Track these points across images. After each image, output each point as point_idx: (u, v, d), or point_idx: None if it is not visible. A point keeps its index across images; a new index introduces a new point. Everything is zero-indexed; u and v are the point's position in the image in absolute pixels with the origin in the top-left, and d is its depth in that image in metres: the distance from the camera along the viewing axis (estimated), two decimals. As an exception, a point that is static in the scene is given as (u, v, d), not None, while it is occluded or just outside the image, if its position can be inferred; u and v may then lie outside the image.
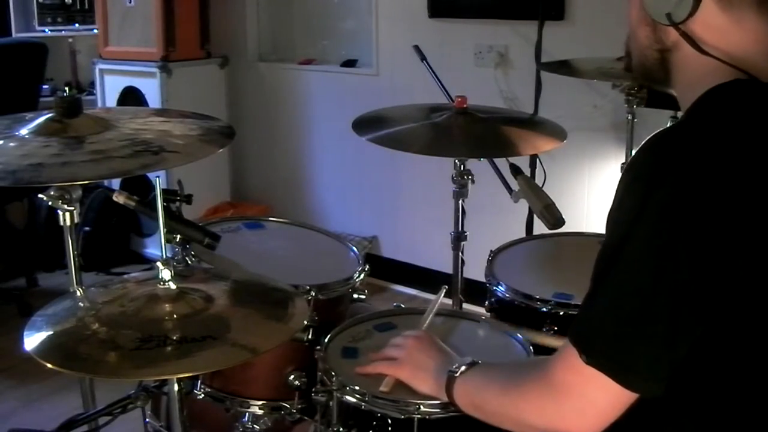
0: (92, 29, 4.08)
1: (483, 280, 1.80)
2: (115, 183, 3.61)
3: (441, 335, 1.44)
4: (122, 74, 3.95)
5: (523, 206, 1.95)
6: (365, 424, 1.31)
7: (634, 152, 1.04)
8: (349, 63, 3.83)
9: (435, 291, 1.62)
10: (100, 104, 4.00)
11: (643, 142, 0.97)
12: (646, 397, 0.95)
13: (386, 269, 3.77)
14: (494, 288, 1.74)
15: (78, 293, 1.37)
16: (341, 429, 1.35)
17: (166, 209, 1.42)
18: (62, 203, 1.54)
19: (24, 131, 1.53)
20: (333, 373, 1.35)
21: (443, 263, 2.27)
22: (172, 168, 2.20)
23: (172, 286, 1.27)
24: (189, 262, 1.64)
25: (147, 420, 1.74)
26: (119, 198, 1.52)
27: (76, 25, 4.15)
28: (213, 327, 1.22)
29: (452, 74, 2.43)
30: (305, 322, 1.39)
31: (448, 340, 1.43)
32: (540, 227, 1.79)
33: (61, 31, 4.13)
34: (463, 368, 1.20)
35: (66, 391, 2.71)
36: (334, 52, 3.99)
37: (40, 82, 3.57)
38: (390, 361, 1.34)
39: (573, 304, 1.60)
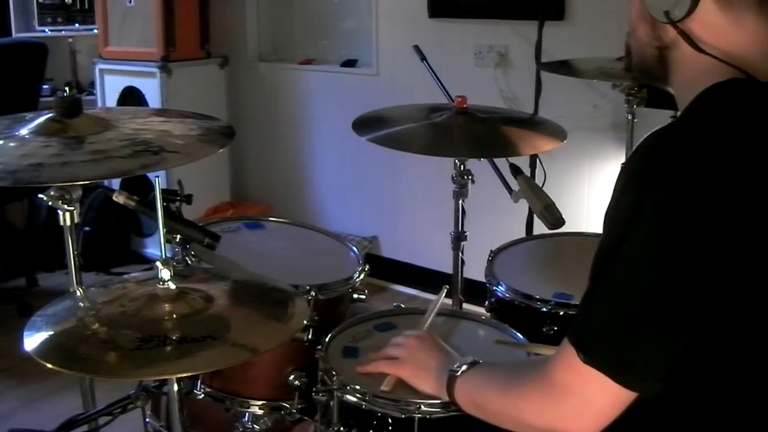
0: (92, 29, 4.08)
1: (483, 280, 1.80)
2: (115, 183, 3.61)
3: (442, 335, 1.44)
4: (122, 74, 3.95)
5: (523, 206, 1.95)
6: (366, 424, 1.31)
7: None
8: (349, 63, 3.83)
9: (435, 291, 1.62)
10: (100, 104, 4.00)
11: (640, 141, 0.98)
12: (645, 396, 0.95)
13: (386, 269, 3.77)
14: (494, 288, 1.74)
15: (78, 293, 1.37)
16: (342, 429, 1.35)
17: (166, 209, 1.42)
18: (62, 203, 1.54)
19: (24, 131, 1.53)
20: (333, 373, 1.36)
21: (443, 263, 2.27)
22: (172, 168, 2.20)
23: (172, 286, 1.27)
24: (189, 262, 1.64)
25: (147, 420, 1.74)
26: (119, 198, 1.52)
27: (76, 25, 4.15)
28: (213, 327, 1.22)
29: (452, 74, 2.43)
30: (305, 322, 1.39)
31: (449, 340, 1.43)
32: (540, 227, 1.79)
33: (61, 31, 4.13)
34: (464, 368, 1.20)
35: (66, 391, 2.71)
36: (334, 52, 3.99)
37: (40, 82, 3.57)
38: (391, 360, 1.34)
39: (573, 304, 1.60)
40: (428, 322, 1.50)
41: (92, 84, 4.17)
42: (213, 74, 4.07)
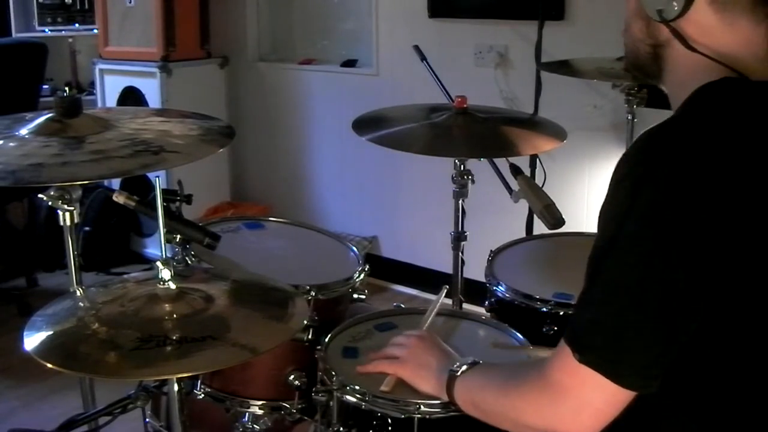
0: (92, 29, 4.08)
1: (483, 280, 1.80)
2: (115, 183, 3.62)
3: (442, 335, 1.44)
4: (122, 74, 3.95)
5: (523, 206, 1.95)
6: (365, 424, 1.31)
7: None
8: (349, 63, 3.83)
9: (435, 291, 1.62)
10: (100, 104, 4.00)
11: (634, 140, 0.98)
12: (643, 394, 0.95)
13: (386, 269, 3.77)
14: (494, 288, 1.74)
15: (78, 293, 1.37)
16: (341, 429, 1.35)
17: (166, 209, 1.42)
18: (62, 203, 1.54)
19: (24, 131, 1.54)
20: (333, 373, 1.36)
21: (443, 263, 2.27)
22: (172, 168, 2.20)
23: (172, 286, 1.27)
24: (189, 262, 1.64)
25: (147, 420, 1.74)
26: (119, 198, 1.52)
27: (76, 25, 4.15)
28: (213, 327, 1.22)
29: (452, 74, 2.43)
30: (305, 322, 1.39)
31: (449, 341, 1.43)
32: (540, 227, 1.79)
33: (61, 31, 4.13)
34: (464, 368, 1.20)
35: (66, 391, 2.71)
36: (334, 52, 3.99)
37: (40, 82, 3.57)
38: (392, 359, 1.34)
39: (573, 304, 1.59)
40: (428, 322, 1.50)
41: (92, 84, 4.17)
42: (213, 74, 4.07)
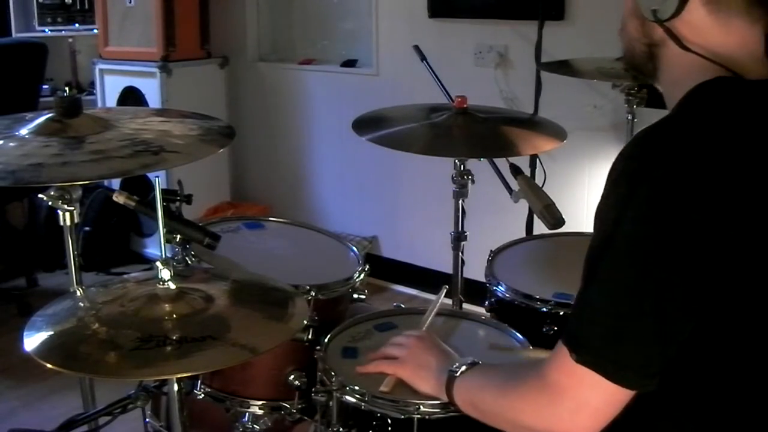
0: (92, 29, 4.08)
1: (483, 280, 1.80)
2: (115, 183, 3.62)
3: (442, 335, 1.44)
4: (122, 74, 3.95)
5: (523, 206, 1.95)
6: (365, 424, 1.31)
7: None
8: (349, 63, 3.83)
9: (435, 291, 1.62)
10: (100, 104, 4.00)
11: (630, 140, 0.98)
12: (641, 394, 0.95)
13: (386, 269, 3.77)
14: (494, 288, 1.74)
15: (78, 293, 1.37)
16: (341, 429, 1.35)
17: (166, 209, 1.42)
18: (62, 203, 1.54)
19: (24, 131, 1.54)
20: (333, 373, 1.36)
21: (443, 263, 2.27)
22: (172, 168, 2.20)
23: (172, 286, 1.27)
24: (189, 262, 1.64)
25: (147, 420, 1.74)
26: (119, 198, 1.52)
27: (76, 25, 4.15)
28: (213, 327, 1.22)
29: (452, 74, 2.43)
30: (305, 322, 1.39)
31: (449, 341, 1.43)
32: (540, 227, 1.79)
33: (61, 31, 4.12)
34: (463, 368, 1.20)
35: (66, 391, 2.71)
36: (334, 52, 3.99)
37: (40, 82, 3.57)
38: (391, 360, 1.34)
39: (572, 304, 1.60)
40: (428, 322, 1.50)
41: (92, 84, 4.17)
42: (213, 74, 4.07)
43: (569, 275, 1.76)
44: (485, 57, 3.34)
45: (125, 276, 1.47)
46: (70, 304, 1.32)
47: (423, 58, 2.23)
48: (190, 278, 1.37)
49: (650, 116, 2.55)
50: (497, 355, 1.44)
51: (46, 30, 4.10)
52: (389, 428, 1.29)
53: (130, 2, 3.87)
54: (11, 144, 1.50)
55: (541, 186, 1.79)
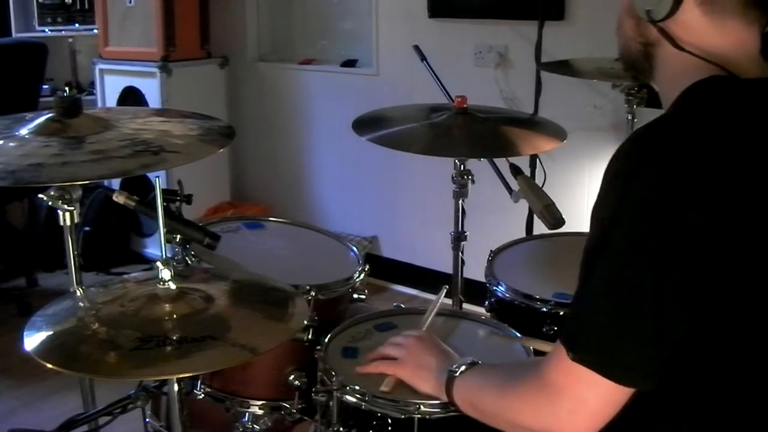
0: (92, 29, 4.08)
1: (483, 280, 1.80)
2: (115, 183, 3.61)
3: (441, 335, 1.44)
4: (122, 74, 3.95)
5: (523, 206, 1.95)
6: (365, 424, 1.31)
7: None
8: (349, 63, 3.83)
9: (435, 291, 1.62)
10: (100, 104, 4.00)
11: (625, 139, 0.98)
12: (639, 395, 0.95)
13: (386, 269, 3.77)
14: (494, 288, 1.74)
15: (78, 293, 1.37)
16: (341, 429, 1.35)
17: (166, 209, 1.42)
18: (62, 203, 1.54)
19: (24, 131, 1.53)
20: (333, 373, 1.36)
21: (443, 263, 2.27)
22: (172, 168, 2.20)
23: (172, 286, 1.27)
24: (189, 262, 1.64)
25: (147, 420, 1.74)
26: (119, 198, 1.52)
27: (76, 25, 4.15)
28: (213, 327, 1.22)
29: (452, 74, 2.43)
30: (305, 322, 1.39)
31: (449, 341, 1.43)
32: (540, 227, 1.79)
33: (61, 31, 4.12)
34: (462, 368, 1.20)
35: (66, 391, 2.71)
36: (334, 52, 3.99)
37: (40, 82, 3.57)
38: (391, 360, 1.34)
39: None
40: (428, 322, 1.50)
41: (92, 84, 4.17)
42: (213, 74, 4.07)
43: (569, 275, 1.74)
44: (485, 57, 3.34)
45: (125, 276, 1.47)
46: (70, 304, 1.32)
47: (423, 58, 2.23)
48: (190, 278, 1.37)
49: (650, 116, 2.52)
50: (500, 350, 1.44)
51: (46, 30, 4.10)
52: (389, 428, 1.29)
53: (130, 2, 3.87)
54: (11, 144, 1.50)
55: (541, 186, 1.79)
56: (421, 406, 1.27)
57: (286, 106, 4.06)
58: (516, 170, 1.81)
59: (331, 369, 1.37)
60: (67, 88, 1.64)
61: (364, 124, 1.94)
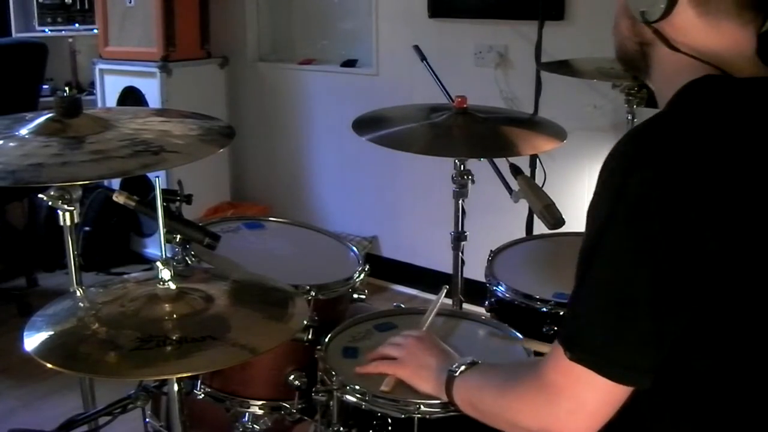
0: (92, 29, 4.08)
1: (483, 280, 1.80)
2: (115, 183, 3.61)
3: (441, 335, 1.44)
4: (122, 74, 3.95)
5: (523, 206, 1.95)
6: (365, 424, 1.31)
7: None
8: (349, 63, 3.83)
9: (435, 291, 1.62)
10: (100, 104, 4.00)
11: (619, 139, 0.98)
12: (637, 395, 0.95)
13: (386, 269, 3.77)
14: (494, 288, 1.74)
15: (78, 293, 1.37)
16: (341, 429, 1.35)
17: (166, 209, 1.42)
18: (62, 203, 1.54)
19: (24, 131, 1.53)
20: (333, 373, 1.36)
21: (443, 263, 2.27)
22: (172, 168, 2.20)
23: (172, 286, 1.27)
24: (189, 262, 1.64)
25: (147, 420, 1.74)
26: (119, 198, 1.52)
27: (76, 25, 4.15)
28: (213, 327, 1.22)
29: (452, 74, 2.43)
30: (305, 322, 1.39)
31: (449, 340, 1.43)
32: (540, 227, 1.79)
33: (61, 31, 4.13)
34: (462, 368, 1.20)
35: (66, 391, 2.71)
36: (334, 52, 3.99)
37: (40, 82, 3.57)
38: (391, 360, 1.34)
39: (571, 304, 1.60)
40: (428, 322, 1.50)
41: (92, 84, 4.17)
42: (213, 74, 4.07)
43: (569, 275, 1.73)
44: (485, 57, 3.34)
45: (125, 276, 1.47)
46: (70, 304, 1.32)
47: (423, 58, 2.23)
48: (190, 278, 1.37)
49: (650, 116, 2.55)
50: (500, 350, 1.45)
51: (46, 30, 4.10)
52: (389, 428, 1.29)
53: (130, 2, 3.87)
54: (11, 144, 1.50)
55: (541, 186, 1.79)
56: (421, 406, 1.27)
57: (286, 106, 4.06)
58: (516, 170, 1.81)
59: (331, 369, 1.37)
60: (67, 88, 1.64)
61: (364, 124, 1.94)
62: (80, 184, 1.52)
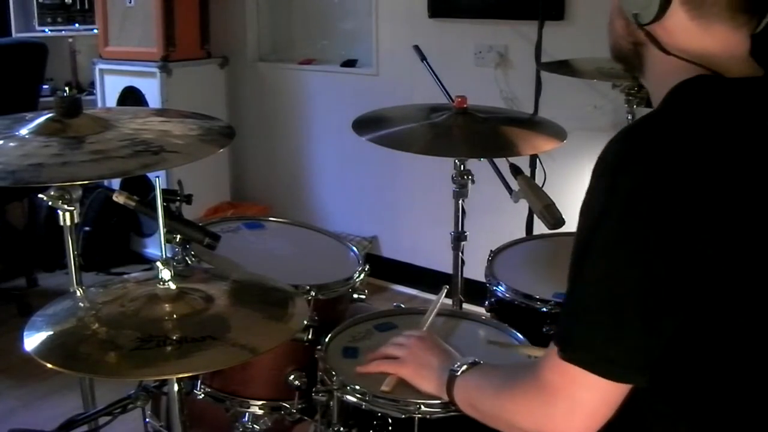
0: (92, 29, 4.08)
1: (483, 280, 1.80)
2: (115, 183, 3.61)
3: (442, 335, 1.44)
4: (122, 74, 3.95)
5: (523, 206, 1.95)
6: (366, 424, 1.31)
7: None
8: (349, 63, 3.83)
9: (435, 291, 1.62)
10: (100, 104, 4.00)
11: (611, 138, 0.99)
12: (634, 395, 0.95)
13: (386, 269, 3.77)
14: (494, 288, 1.74)
15: (78, 293, 1.37)
16: (342, 429, 1.35)
17: (166, 209, 1.42)
18: (62, 203, 1.54)
19: (24, 131, 1.54)
20: (333, 373, 1.35)
21: (443, 263, 2.27)
22: (172, 168, 2.20)
23: (172, 286, 1.27)
24: (189, 262, 1.64)
25: (147, 420, 1.74)
26: (119, 198, 1.52)
27: (76, 25, 4.15)
28: (213, 327, 1.22)
29: (452, 74, 2.43)
30: (305, 322, 1.39)
31: (449, 340, 1.43)
32: (540, 227, 1.79)
33: (61, 31, 4.12)
34: (464, 368, 1.20)
35: (66, 391, 2.71)
36: (334, 52, 3.99)
37: (40, 82, 3.57)
38: (393, 359, 1.34)
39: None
40: (428, 322, 1.50)
41: (92, 84, 4.17)
42: (213, 74, 4.07)
43: (569, 275, 1.76)
44: (485, 57, 3.34)
45: (125, 276, 1.47)
46: (70, 304, 1.32)
47: (423, 58, 2.23)
48: (190, 278, 1.37)
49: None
50: (500, 350, 1.45)
51: (46, 30, 4.10)
52: (390, 428, 1.29)
53: (130, 2, 3.87)
54: (11, 144, 1.50)
55: (541, 186, 1.79)
56: (422, 406, 1.27)
57: (286, 106, 4.06)
58: (516, 170, 1.81)
59: (331, 369, 1.37)
60: (67, 88, 1.64)
61: (364, 124, 1.94)
62: (80, 184, 1.52)
